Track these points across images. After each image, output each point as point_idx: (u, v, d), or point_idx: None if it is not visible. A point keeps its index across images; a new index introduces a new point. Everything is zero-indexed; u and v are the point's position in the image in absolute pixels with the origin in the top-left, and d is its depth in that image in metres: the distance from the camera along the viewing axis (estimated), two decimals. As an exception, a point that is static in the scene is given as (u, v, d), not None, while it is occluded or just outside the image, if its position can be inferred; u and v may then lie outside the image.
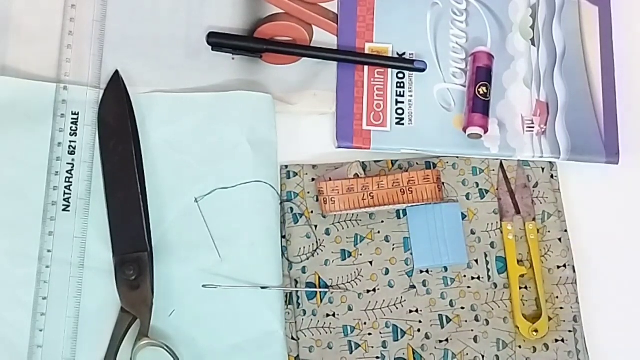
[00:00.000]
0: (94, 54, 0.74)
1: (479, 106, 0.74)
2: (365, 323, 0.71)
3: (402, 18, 0.77)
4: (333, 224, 0.72)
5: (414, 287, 0.72)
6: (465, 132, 0.74)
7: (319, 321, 0.70)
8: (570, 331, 0.71)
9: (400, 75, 0.76)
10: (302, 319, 0.70)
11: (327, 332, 0.70)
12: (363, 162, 0.74)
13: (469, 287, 0.72)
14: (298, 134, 0.75)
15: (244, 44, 0.75)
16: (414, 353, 0.70)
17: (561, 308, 0.72)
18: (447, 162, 0.75)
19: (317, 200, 0.72)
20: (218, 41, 0.75)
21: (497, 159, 0.75)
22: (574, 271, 0.73)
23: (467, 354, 0.70)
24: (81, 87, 0.73)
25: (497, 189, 0.75)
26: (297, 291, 0.71)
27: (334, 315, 0.71)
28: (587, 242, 0.75)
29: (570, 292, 0.72)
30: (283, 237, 0.72)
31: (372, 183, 0.70)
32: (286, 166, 0.74)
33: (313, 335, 0.70)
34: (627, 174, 0.77)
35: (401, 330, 0.71)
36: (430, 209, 0.73)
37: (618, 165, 0.76)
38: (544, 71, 0.77)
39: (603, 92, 0.77)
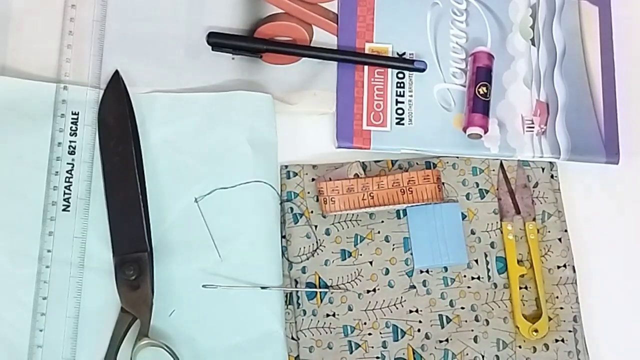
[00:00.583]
0: (94, 54, 0.74)
1: (479, 106, 0.74)
2: (365, 323, 0.71)
3: (402, 18, 0.77)
4: (333, 224, 0.72)
5: (414, 287, 0.72)
6: (465, 132, 0.74)
7: (319, 321, 0.70)
8: (570, 331, 0.71)
9: (400, 75, 0.76)
10: (302, 319, 0.70)
11: (327, 332, 0.70)
12: (363, 162, 0.74)
13: (469, 287, 0.72)
14: (298, 134, 0.75)
15: (244, 44, 0.75)
16: (414, 353, 0.70)
17: (561, 308, 0.72)
18: (447, 162, 0.75)
19: (317, 200, 0.72)
20: (218, 41, 0.75)
21: (497, 159, 0.75)
22: (574, 271, 0.73)
23: (467, 354, 0.70)
24: (81, 87, 0.73)
25: (497, 189, 0.75)
26: (297, 291, 0.71)
27: (334, 315, 0.71)
28: (587, 242, 0.75)
29: (570, 292, 0.72)
30: (283, 237, 0.72)
31: (372, 183, 0.70)
32: (286, 166, 0.74)
33: (313, 335, 0.70)
34: (627, 174, 0.77)
35: (401, 330, 0.71)
36: (430, 209, 0.73)
37: (618, 165, 0.76)
38: (544, 71, 0.77)
39: (603, 92, 0.77)
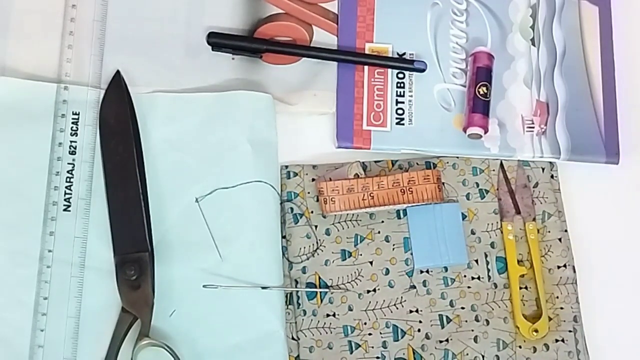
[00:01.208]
0: (95, 54, 0.74)
1: (479, 106, 0.74)
2: (365, 323, 0.71)
3: (402, 18, 0.77)
4: (333, 224, 0.72)
5: (414, 287, 0.72)
6: (465, 132, 0.74)
7: (319, 321, 0.71)
8: (570, 331, 0.71)
9: (400, 75, 0.76)
10: (302, 319, 0.71)
11: (327, 332, 0.70)
12: (363, 162, 0.74)
13: (469, 287, 0.72)
14: (298, 134, 0.76)
15: (244, 44, 0.75)
16: (414, 353, 0.70)
17: (561, 308, 0.72)
18: (447, 162, 0.75)
19: (317, 200, 0.73)
20: (218, 41, 0.75)
21: (497, 159, 0.75)
22: (574, 271, 0.73)
23: (467, 354, 0.70)
24: (82, 87, 0.73)
25: (497, 189, 0.75)
26: (297, 291, 0.71)
27: (334, 315, 0.71)
28: (587, 242, 0.75)
29: (570, 292, 0.72)
30: (283, 237, 0.72)
31: (372, 183, 0.70)
32: (286, 166, 0.74)
33: (313, 335, 0.70)
34: (627, 174, 0.77)
35: (401, 330, 0.71)
36: (430, 209, 0.73)
37: (618, 165, 0.76)
38: (544, 71, 0.77)
39: (603, 92, 0.77)
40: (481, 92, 0.74)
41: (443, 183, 0.74)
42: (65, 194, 0.71)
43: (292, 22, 0.77)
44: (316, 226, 0.72)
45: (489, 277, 0.72)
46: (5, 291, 0.68)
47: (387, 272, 0.72)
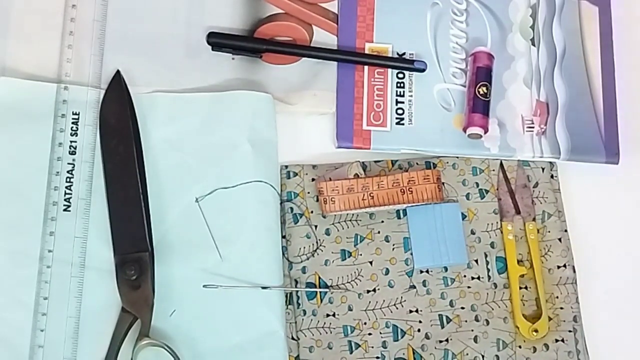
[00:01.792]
0: (95, 54, 0.74)
1: (479, 106, 0.74)
2: (365, 323, 0.71)
3: (402, 18, 0.77)
4: (333, 224, 0.73)
5: (414, 287, 0.72)
6: (465, 132, 0.74)
7: (319, 321, 0.71)
8: (570, 331, 0.71)
9: (400, 75, 0.76)
10: (302, 319, 0.71)
11: (327, 332, 0.70)
12: (363, 162, 0.74)
13: (469, 287, 0.72)
14: (298, 134, 0.76)
15: (244, 44, 0.75)
16: (414, 353, 0.70)
17: (561, 308, 0.72)
18: (447, 162, 0.75)
19: (317, 200, 0.73)
20: (218, 41, 0.75)
21: (497, 159, 0.75)
22: (574, 271, 0.73)
23: (467, 354, 0.71)
24: (82, 87, 0.73)
25: (497, 189, 0.75)
26: (297, 291, 0.71)
27: (334, 315, 0.71)
28: (587, 242, 0.75)
29: (570, 292, 0.72)
30: (283, 237, 0.72)
31: (372, 183, 0.70)
32: (286, 166, 0.74)
33: (313, 335, 0.70)
34: (627, 174, 0.77)
35: (401, 330, 0.71)
36: (430, 209, 0.73)
37: (618, 165, 0.76)
38: (544, 71, 0.77)
39: (603, 92, 0.77)
40: (481, 92, 0.74)
41: (443, 183, 0.74)
42: (65, 194, 0.71)
43: (292, 22, 0.77)
44: (316, 226, 0.72)
45: (489, 277, 0.72)
46: (5, 291, 0.68)
47: (387, 272, 0.72)
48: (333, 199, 0.70)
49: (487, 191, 0.74)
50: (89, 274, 0.69)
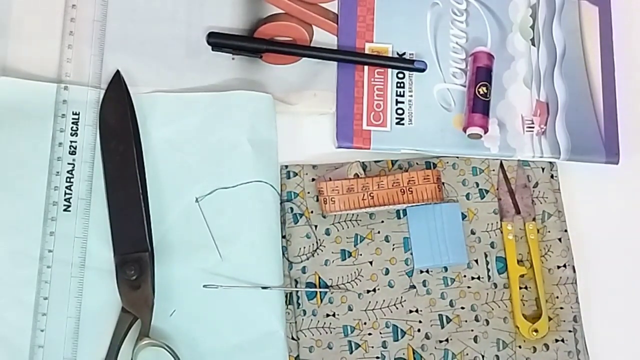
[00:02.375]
0: (95, 54, 0.74)
1: (479, 106, 0.74)
2: (365, 323, 0.71)
3: (402, 18, 0.77)
4: (333, 224, 0.73)
5: (414, 287, 0.72)
6: (465, 132, 0.74)
7: (319, 321, 0.71)
8: (570, 331, 0.71)
9: (400, 75, 0.76)
10: (302, 319, 0.71)
11: (327, 332, 0.70)
12: (363, 162, 0.74)
13: (469, 287, 0.72)
14: (298, 134, 0.76)
15: (244, 44, 0.75)
16: (414, 353, 0.70)
17: (561, 308, 0.72)
18: (447, 162, 0.75)
19: (317, 200, 0.73)
20: (218, 41, 0.75)
21: (497, 159, 0.75)
22: (574, 271, 0.73)
23: (467, 354, 0.71)
24: (82, 87, 0.73)
25: (497, 189, 0.75)
26: (297, 291, 0.71)
27: (334, 315, 0.71)
28: (587, 242, 0.75)
29: (570, 292, 0.72)
30: (283, 237, 0.72)
31: (372, 183, 0.70)
32: (286, 166, 0.74)
33: (313, 335, 0.70)
34: (627, 174, 0.77)
35: (401, 330, 0.71)
36: (430, 209, 0.73)
37: (618, 165, 0.76)
38: (544, 71, 0.77)
39: (603, 92, 0.77)
40: (481, 92, 0.74)
41: (443, 183, 0.74)
42: (65, 194, 0.71)
43: (292, 22, 0.77)
44: (316, 226, 0.72)
45: (489, 277, 0.72)
46: (5, 291, 0.68)
47: (387, 272, 0.72)
48: (333, 199, 0.70)
49: (487, 191, 0.74)
50: (89, 274, 0.69)
